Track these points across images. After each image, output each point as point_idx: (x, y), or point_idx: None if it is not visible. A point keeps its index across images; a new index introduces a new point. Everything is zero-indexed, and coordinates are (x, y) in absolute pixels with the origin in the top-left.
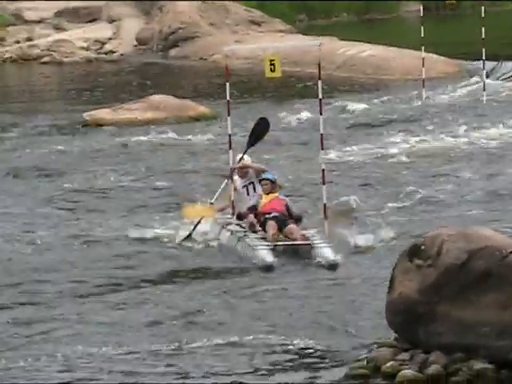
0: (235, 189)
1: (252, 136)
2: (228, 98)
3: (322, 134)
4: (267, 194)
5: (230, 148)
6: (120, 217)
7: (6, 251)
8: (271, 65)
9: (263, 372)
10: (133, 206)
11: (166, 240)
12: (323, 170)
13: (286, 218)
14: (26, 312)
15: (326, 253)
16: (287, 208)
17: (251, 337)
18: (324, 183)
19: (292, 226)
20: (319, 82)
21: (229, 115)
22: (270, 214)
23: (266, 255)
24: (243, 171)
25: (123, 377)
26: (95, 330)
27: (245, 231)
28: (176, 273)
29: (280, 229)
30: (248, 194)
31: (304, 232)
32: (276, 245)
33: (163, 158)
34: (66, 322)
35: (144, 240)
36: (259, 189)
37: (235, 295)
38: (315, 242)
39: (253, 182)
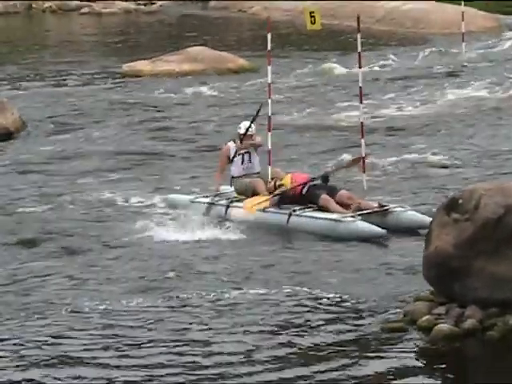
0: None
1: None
2: (269, 48)
3: (360, 87)
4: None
5: (269, 97)
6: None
7: None
8: (311, 17)
9: (295, 327)
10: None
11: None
12: (362, 123)
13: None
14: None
15: (413, 215)
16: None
17: (283, 290)
18: (363, 136)
19: (345, 192)
20: (358, 36)
21: (269, 65)
22: (304, 187)
23: (369, 226)
24: (245, 142)
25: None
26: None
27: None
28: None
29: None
30: (243, 162)
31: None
32: (361, 214)
33: (195, 109)
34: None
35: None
36: (255, 159)
37: (268, 252)
38: (390, 206)
39: (249, 152)
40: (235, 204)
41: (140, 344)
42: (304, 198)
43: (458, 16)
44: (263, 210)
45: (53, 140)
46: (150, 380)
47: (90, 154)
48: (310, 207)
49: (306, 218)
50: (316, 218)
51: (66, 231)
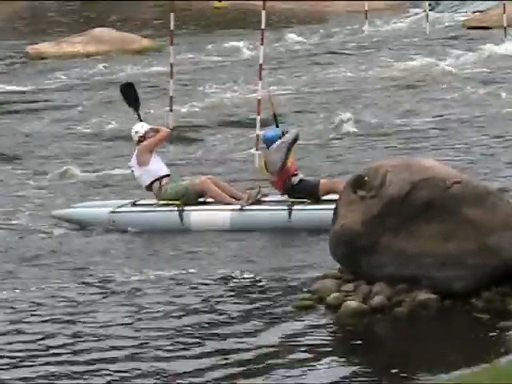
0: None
1: (132, 102)
2: (172, 28)
3: (261, 65)
4: None
5: (172, 78)
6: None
7: None
8: None
9: (209, 305)
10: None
11: None
12: (259, 101)
13: None
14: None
15: None
16: None
17: (196, 270)
18: (259, 114)
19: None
20: (263, 13)
21: (171, 45)
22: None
23: None
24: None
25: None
26: None
27: None
28: None
29: None
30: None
31: None
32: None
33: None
34: None
35: None
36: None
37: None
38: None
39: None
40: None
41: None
42: None
43: None
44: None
45: None
46: None
47: None
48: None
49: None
50: None
51: None
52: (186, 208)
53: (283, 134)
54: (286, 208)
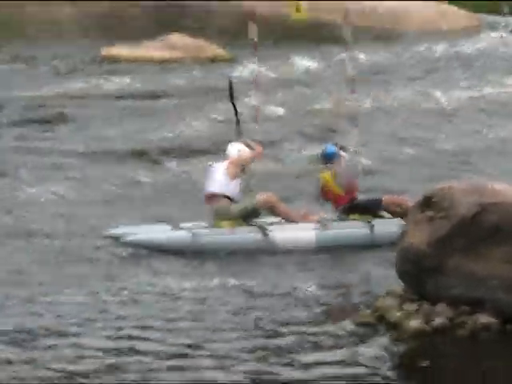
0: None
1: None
2: (255, 38)
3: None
4: None
5: (256, 88)
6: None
7: None
8: (297, 7)
9: (272, 324)
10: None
11: None
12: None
13: None
14: None
15: None
16: None
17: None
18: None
19: None
20: (346, 27)
21: (255, 56)
22: None
23: None
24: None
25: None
26: None
27: None
28: None
29: None
30: None
31: None
32: None
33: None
34: None
35: None
36: None
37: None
38: None
39: None
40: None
41: None
42: None
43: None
44: None
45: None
46: None
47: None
48: None
49: None
50: None
51: None
52: (269, 228)
53: (340, 149)
54: (367, 224)
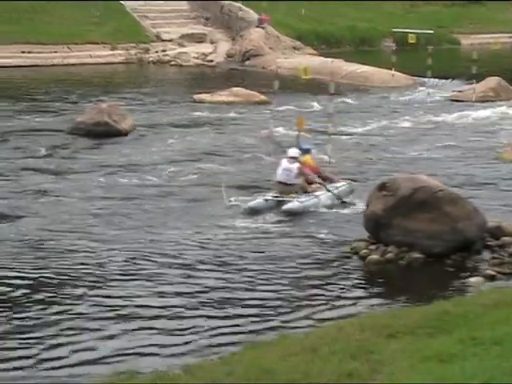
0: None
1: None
2: (276, 88)
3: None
4: None
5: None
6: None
7: None
8: (305, 70)
9: (267, 256)
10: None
11: None
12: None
13: None
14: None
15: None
16: None
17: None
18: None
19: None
20: (331, 83)
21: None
22: None
23: None
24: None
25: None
26: None
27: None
28: None
29: None
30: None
31: None
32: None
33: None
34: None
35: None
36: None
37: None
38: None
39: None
40: None
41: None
42: None
43: (390, 76)
44: None
45: (152, 139)
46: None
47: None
48: None
49: None
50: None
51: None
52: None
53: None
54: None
